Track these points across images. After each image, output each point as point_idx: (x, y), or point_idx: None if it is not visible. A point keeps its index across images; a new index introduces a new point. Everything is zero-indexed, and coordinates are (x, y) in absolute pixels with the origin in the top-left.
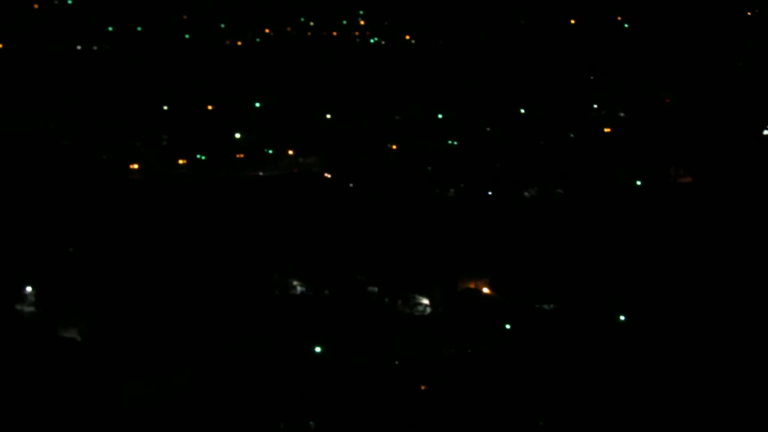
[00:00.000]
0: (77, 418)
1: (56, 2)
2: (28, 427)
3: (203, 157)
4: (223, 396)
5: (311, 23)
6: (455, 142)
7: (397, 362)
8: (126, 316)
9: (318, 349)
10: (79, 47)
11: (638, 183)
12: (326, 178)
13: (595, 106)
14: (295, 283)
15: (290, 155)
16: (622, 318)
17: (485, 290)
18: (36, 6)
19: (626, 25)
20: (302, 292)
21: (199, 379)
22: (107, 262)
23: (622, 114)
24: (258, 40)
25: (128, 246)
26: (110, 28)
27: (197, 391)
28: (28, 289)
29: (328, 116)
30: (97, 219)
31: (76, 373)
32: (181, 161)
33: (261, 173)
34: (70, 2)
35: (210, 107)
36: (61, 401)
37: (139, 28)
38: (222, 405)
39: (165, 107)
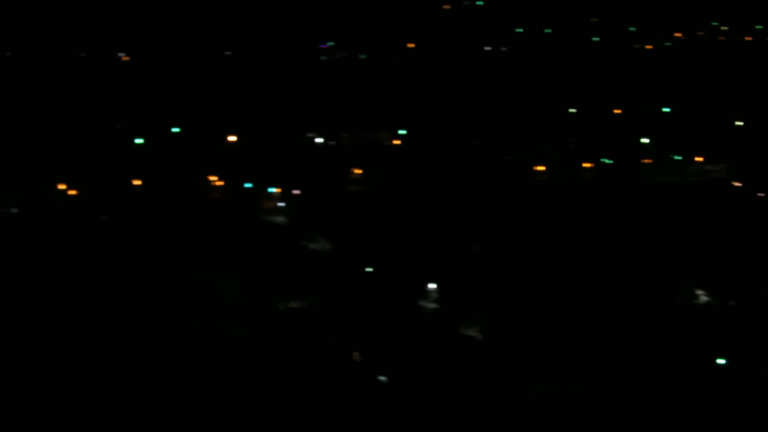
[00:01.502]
0: (475, 417)
1: (466, 3)
2: (427, 422)
3: (609, 161)
4: (622, 403)
5: (723, 27)
6: None
7: None
8: (528, 316)
9: (721, 361)
10: (487, 48)
11: None
12: (735, 186)
13: None
14: (699, 292)
15: (698, 162)
16: None
17: None
18: (447, 7)
19: None
20: (707, 302)
21: (598, 384)
22: (510, 261)
23: None
24: (668, 43)
25: (532, 247)
26: (519, 30)
27: (596, 397)
28: (431, 285)
29: (740, 123)
30: (501, 219)
31: (476, 372)
32: (586, 164)
33: (668, 179)
34: (480, 3)
35: (617, 111)
36: (458, 398)
37: (547, 30)
38: (619, 412)
39: (572, 110)
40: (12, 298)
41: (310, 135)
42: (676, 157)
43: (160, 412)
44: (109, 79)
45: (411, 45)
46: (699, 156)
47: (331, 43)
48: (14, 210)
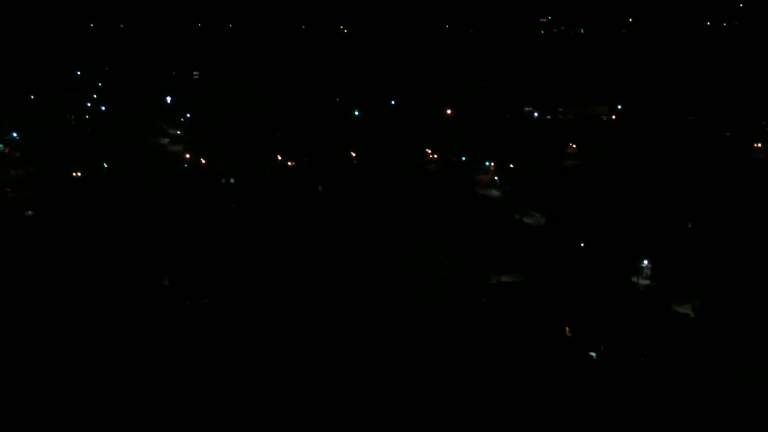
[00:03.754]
0: (686, 396)
1: None
2: (636, 399)
3: None
4: None
5: None
6: None
7: None
8: (742, 294)
9: None
10: (708, 23)
11: None
12: None
13: None
14: None
15: None
16: None
17: None
18: None
19: None
20: None
21: None
22: (725, 239)
23: None
24: None
25: (748, 225)
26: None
27: None
28: (645, 262)
29: None
30: (717, 195)
31: (688, 350)
32: None
33: None
34: None
35: None
36: (668, 376)
37: None
38: None
39: None
40: (226, 265)
41: (527, 109)
42: None
43: (372, 378)
44: (329, 51)
45: (630, 19)
46: None
47: (549, 17)
48: (232, 180)
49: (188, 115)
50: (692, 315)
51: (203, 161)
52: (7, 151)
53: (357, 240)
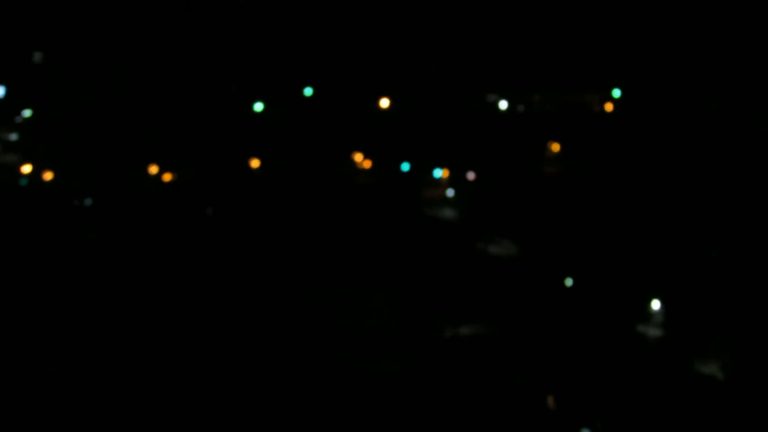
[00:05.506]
0: None
1: None
2: None
3: None
4: None
5: None
6: None
7: None
8: None
9: None
10: None
11: None
12: None
13: None
14: None
15: None
16: None
17: None
18: None
19: None
20: None
21: None
22: (761, 270)
23: None
24: None
25: None
26: None
27: None
28: (655, 305)
29: None
30: (748, 213)
31: (714, 426)
32: None
33: None
34: None
35: None
36: None
37: None
38: None
39: None
40: (84, 318)
41: (491, 98)
42: None
43: None
44: (222, 22)
45: None
46: None
47: None
48: (87, 202)
49: (27, 113)
50: (720, 376)
51: (49, 175)
52: None
53: (260, 280)
